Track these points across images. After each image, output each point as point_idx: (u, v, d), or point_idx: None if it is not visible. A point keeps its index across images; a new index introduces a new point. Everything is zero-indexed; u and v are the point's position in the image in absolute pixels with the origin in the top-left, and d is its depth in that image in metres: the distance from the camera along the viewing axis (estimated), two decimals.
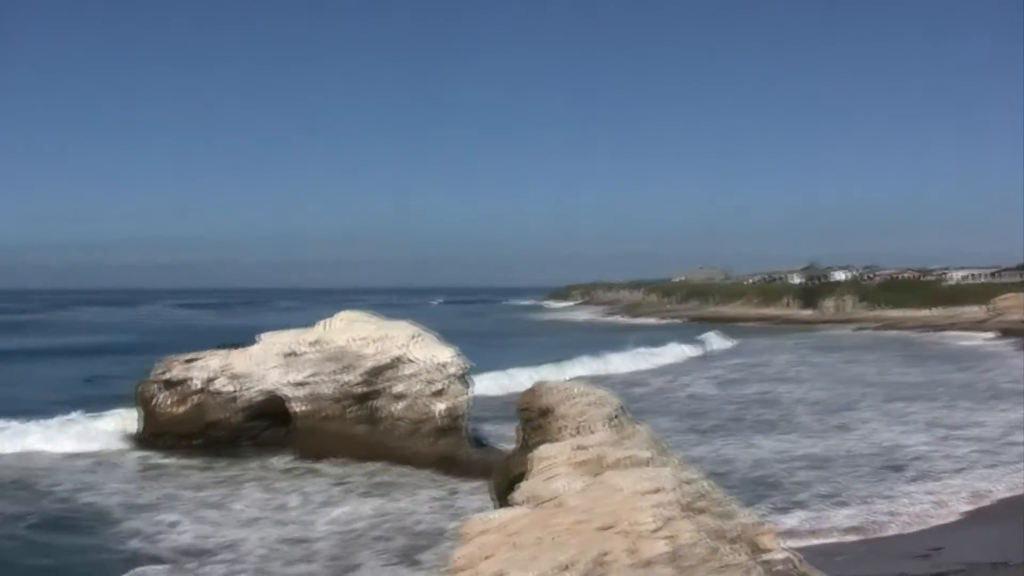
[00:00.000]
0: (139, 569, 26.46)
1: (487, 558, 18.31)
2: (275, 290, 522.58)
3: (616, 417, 31.32)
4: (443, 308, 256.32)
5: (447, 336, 47.49)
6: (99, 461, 43.34)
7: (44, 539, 31.24)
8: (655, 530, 18.77)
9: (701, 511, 19.62)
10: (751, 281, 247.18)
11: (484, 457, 39.92)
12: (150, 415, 46.79)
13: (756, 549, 18.80)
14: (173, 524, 32.03)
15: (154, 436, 46.17)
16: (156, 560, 27.98)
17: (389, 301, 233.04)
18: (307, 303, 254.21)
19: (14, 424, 47.46)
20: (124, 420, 48.20)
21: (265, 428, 45.78)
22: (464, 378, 43.51)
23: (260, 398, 45.57)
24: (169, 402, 46.68)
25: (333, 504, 34.90)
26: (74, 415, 49.01)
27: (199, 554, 28.71)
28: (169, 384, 46.99)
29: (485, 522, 20.46)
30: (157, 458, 44.02)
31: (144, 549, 29.31)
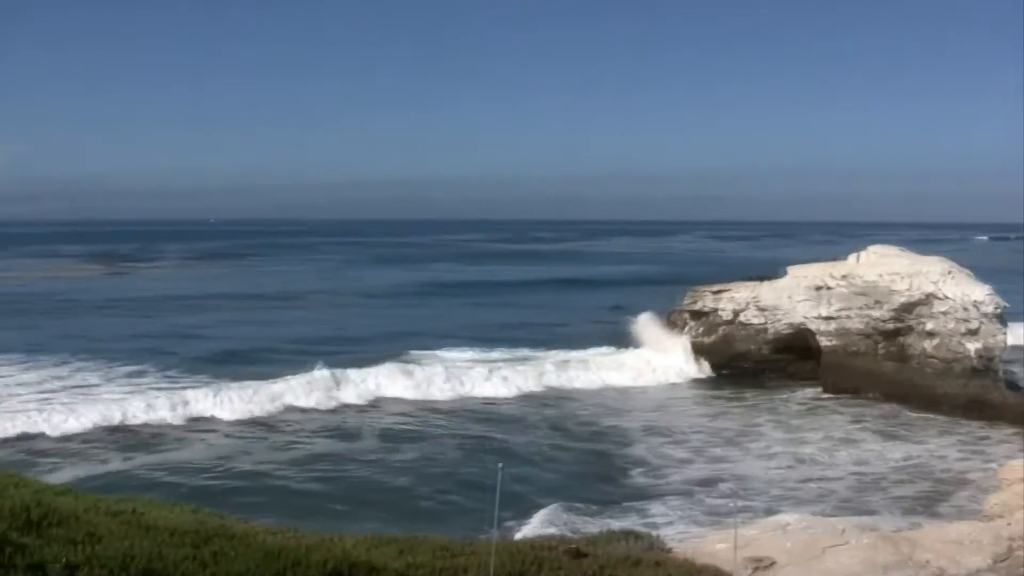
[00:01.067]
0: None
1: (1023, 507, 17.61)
2: (806, 223, 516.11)
3: None
4: (987, 245, 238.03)
5: (988, 275, 45.16)
6: (629, 387, 45.77)
7: (563, 450, 33.53)
8: None
9: None
10: None
11: (1019, 402, 38.00)
12: None
13: None
14: (683, 457, 32.62)
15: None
16: (660, 490, 28.50)
17: (924, 236, 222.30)
18: (837, 236, 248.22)
19: (548, 354, 50.62)
20: (659, 351, 49.26)
21: (789, 361, 46.16)
22: (1000, 318, 41.29)
23: (787, 331, 45.81)
24: (698, 332, 48.26)
25: (852, 443, 34.36)
26: (602, 346, 51.38)
27: (703, 484, 29.00)
28: (698, 314, 48.45)
29: (1022, 469, 19.63)
30: (684, 388, 45.66)
31: (646, 482, 29.79)
